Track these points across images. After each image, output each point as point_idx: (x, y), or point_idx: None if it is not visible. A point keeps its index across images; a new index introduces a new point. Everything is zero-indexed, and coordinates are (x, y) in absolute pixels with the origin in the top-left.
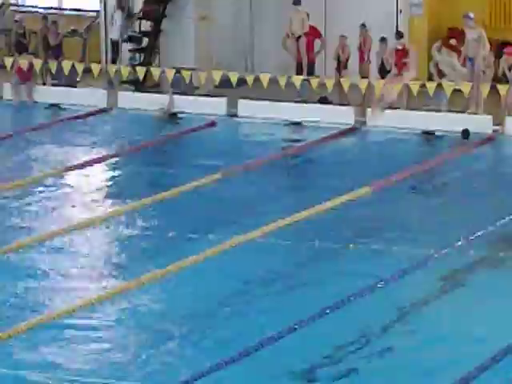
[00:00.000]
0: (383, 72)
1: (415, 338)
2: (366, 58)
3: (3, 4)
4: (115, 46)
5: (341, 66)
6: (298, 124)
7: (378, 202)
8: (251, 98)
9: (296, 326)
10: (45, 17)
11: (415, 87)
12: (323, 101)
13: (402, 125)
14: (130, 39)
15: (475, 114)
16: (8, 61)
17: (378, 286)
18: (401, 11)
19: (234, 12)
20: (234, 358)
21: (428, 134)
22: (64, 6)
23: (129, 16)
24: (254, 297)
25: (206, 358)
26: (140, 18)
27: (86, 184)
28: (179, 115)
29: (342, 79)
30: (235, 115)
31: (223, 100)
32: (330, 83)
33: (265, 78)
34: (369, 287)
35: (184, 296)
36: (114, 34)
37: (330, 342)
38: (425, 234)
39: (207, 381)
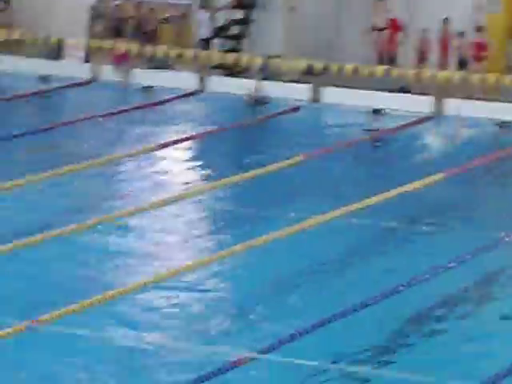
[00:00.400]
0: (462, 64)
1: (480, 317)
2: (446, 51)
3: None
4: (205, 42)
5: (421, 57)
6: (378, 111)
7: (452, 187)
8: (334, 86)
9: (369, 302)
10: (140, 4)
11: (492, 79)
12: (403, 90)
13: (478, 115)
14: (220, 29)
15: None
16: (106, 44)
17: (449, 265)
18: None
19: (321, 3)
20: (307, 329)
21: (503, 124)
22: None
23: (212, 14)
24: (328, 273)
25: (282, 329)
26: (232, 7)
27: (174, 162)
28: (265, 100)
29: (422, 70)
30: (318, 101)
31: (308, 86)
32: (410, 73)
33: (348, 67)
34: (440, 266)
35: (260, 270)
36: (203, 34)
37: (401, 317)
38: (495, 218)
39: (284, 349)
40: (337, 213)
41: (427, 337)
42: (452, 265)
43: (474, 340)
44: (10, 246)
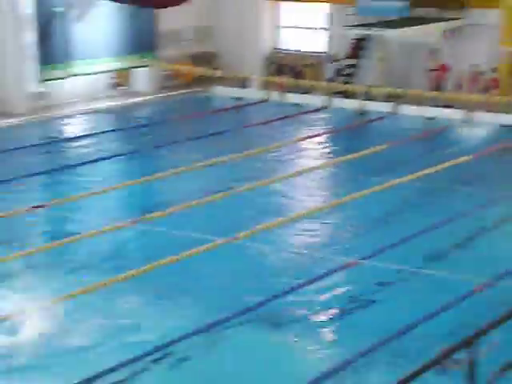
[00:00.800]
0: (484, 91)
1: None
2: (474, 83)
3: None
4: (330, 80)
5: (458, 87)
6: (432, 119)
7: (477, 164)
8: (406, 104)
9: (431, 229)
10: (293, 55)
11: (502, 100)
12: (447, 106)
13: (493, 121)
14: (339, 70)
15: None
16: (273, 79)
17: (476, 210)
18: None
19: (398, 55)
20: (390, 245)
21: (507, 127)
22: (303, 49)
23: (335, 61)
24: (404, 211)
25: (375, 245)
26: (347, 58)
27: (308, 148)
28: (365, 112)
29: (459, 94)
30: (396, 113)
31: (391, 104)
32: (451, 97)
33: (414, 92)
34: (471, 209)
35: (365, 210)
36: (329, 74)
37: (454, 237)
38: (503, 183)
39: (378, 258)
40: (407, 178)
41: (471, 248)
42: (478, 209)
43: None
44: (218, 195)
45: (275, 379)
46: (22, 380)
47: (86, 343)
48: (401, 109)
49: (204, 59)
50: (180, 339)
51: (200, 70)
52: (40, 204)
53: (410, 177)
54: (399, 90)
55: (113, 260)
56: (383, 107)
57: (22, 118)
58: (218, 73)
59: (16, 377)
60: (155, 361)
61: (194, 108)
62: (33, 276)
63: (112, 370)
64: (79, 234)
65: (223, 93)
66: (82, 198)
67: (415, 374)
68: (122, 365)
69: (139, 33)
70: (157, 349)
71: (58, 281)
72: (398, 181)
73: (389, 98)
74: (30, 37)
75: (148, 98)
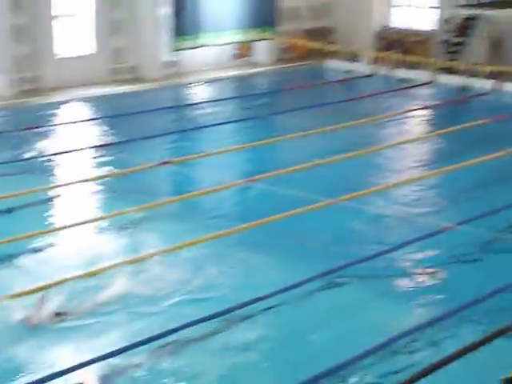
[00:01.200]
0: None
1: None
2: None
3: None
4: (437, 57)
5: None
6: None
7: None
8: (509, 81)
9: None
10: (402, 32)
11: None
12: None
13: None
14: (446, 49)
15: None
16: (382, 54)
17: None
18: None
19: (503, 34)
20: (474, 217)
21: None
22: (412, 27)
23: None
24: (491, 185)
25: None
26: (454, 36)
27: (411, 120)
28: (468, 88)
29: None
30: (498, 89)
31: (493, 81)
32: None
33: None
34: None
35: (452, 183)
36: (436, 52)
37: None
38: None
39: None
40: (505, 152)
41: None
42: None
43: None
44: (325, 160)
45: (362, 334)
46: (142, 321)
47: (197, 291)
48: (503, 86)
49: (319, 34)
50: (277, 292)
51: (315, 44)
52: (165, 161)
53: (502, 152)
54: (502, 68)
55: (225, 215)
56: (486, 84)
57: (155, 84)
58: (332, 47)
59: (135, 319)
60: (249, 310)
61: (307, 79)
62: (151, 226)
63: (211, 317)
64: (197, 189)
65: (335, 66)
66: (202, 157)
67: (498, 334)
68: (219, 314)
69: (262, 8)
70: (253, 300)
71: (177, 232)
72: (496, 154)
73: (492, 75)
74: (165, 10)
75: (267, 68)
